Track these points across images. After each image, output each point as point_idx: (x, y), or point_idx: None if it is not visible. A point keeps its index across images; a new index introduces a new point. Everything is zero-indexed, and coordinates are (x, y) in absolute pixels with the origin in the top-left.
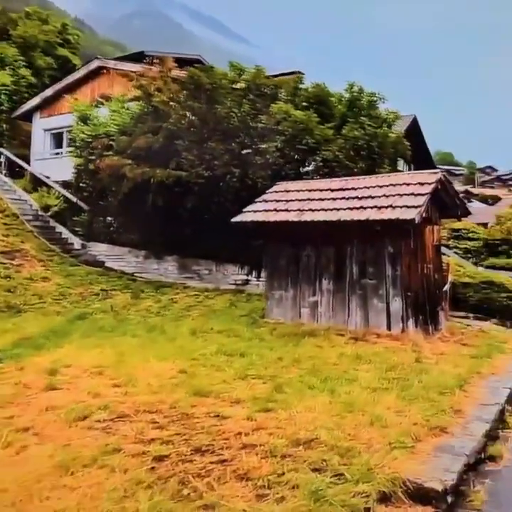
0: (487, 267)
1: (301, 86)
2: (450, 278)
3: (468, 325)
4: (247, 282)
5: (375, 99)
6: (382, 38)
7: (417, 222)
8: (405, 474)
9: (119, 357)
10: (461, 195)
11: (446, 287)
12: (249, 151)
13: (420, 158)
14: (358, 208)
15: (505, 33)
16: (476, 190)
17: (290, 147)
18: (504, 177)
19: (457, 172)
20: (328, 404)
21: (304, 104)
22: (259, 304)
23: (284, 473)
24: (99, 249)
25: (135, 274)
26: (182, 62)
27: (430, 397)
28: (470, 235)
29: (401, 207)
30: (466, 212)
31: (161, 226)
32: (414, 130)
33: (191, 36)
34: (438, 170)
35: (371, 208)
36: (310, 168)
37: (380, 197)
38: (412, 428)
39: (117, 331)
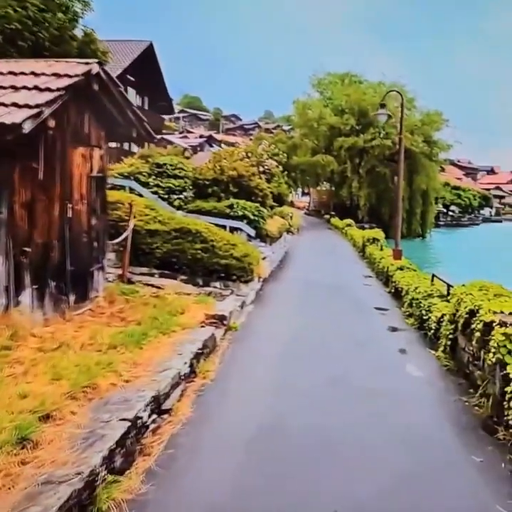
0: (191, 212)
1: None
2: (132, 224)
3: (148, 285)
4: None
5: None
6: None
7: (26, 130)
8: None
9: None
10: (202, 139)
11: (124, 236)
12: None
13: (153, 87)
14: None
15: None
16: (219, 137)
17: None
18: (247, 126)
19: (204, 117)
20: None
21: None
22: None
23: None
24: None
25: None
26: None
27: None
28: (176, 172)
29: (8, 105)
30: (149, 137)
31: None
32: (148, 57)
33: None
34: (94, 60)
35: None
36: None
37: None
38: None
39: None
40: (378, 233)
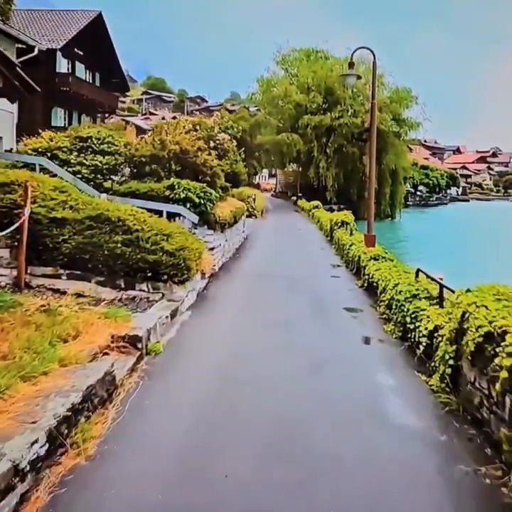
0: (122, 195)
1: None
2: (28, 211)
3: (53, 290)
4: None
5: None
6: None
7: None
8: None
9: None
10: (165, 121)
11: (15, 226)
12: None
13: (105, 63)
14: None
15: None
16: (183, 118)
17: None
18: (212, 108)
19: (168, 99)
20: None
21: None
22: None
23: None
24: None
25: None
26: None
27: None
28: (104, 147)
29: None
30: (25, 88)
31: None
32: (97, 29)
33: None
34: None
35: None
36: None
37: None
38: None
39: None
40: (347, 216)
